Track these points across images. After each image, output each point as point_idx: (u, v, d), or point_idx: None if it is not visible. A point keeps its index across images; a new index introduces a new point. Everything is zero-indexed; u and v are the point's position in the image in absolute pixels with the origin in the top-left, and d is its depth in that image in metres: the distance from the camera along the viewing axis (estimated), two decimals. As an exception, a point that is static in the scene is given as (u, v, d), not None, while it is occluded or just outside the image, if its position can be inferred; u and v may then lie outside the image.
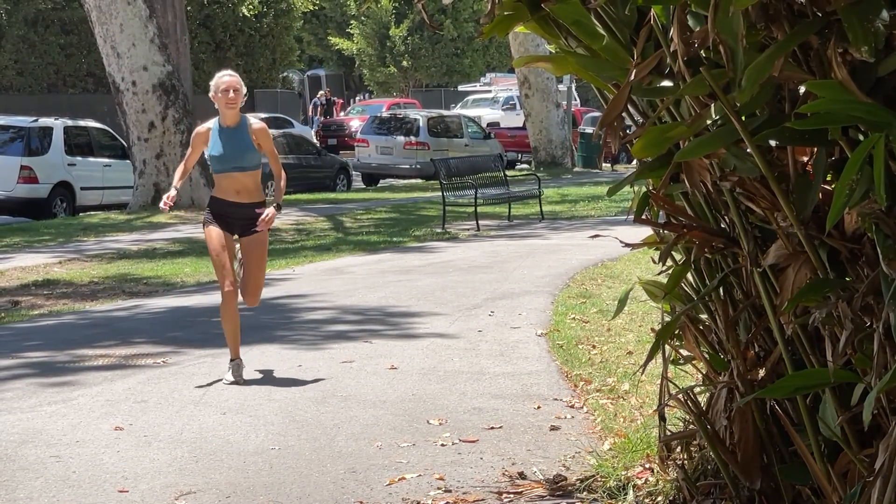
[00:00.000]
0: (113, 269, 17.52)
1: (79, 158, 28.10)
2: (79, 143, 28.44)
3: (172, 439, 7.79)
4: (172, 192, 9.37)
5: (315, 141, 41.22)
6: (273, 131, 35.97)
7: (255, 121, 9.59)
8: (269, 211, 9.37)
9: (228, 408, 8.58)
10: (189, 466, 7.19)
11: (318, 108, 57.39)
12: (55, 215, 27.04)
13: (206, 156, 9.55)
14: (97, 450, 7.56)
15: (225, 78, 9.39)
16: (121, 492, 6.72)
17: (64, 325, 12.48)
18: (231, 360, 9.43)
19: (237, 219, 9.43)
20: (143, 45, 26.24)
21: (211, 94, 9.39)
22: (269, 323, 12.20)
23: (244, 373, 9.41)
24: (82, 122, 29.78)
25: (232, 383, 9.23)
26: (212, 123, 9.50)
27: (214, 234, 9.37)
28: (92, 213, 27.75)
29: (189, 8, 43.55)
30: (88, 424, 8.16)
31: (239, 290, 9.51)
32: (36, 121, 27.89)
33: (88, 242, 21.33)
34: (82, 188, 28.22)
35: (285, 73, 60.27)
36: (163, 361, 10.28)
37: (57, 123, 28.16)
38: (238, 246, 9.57)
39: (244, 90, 9.44)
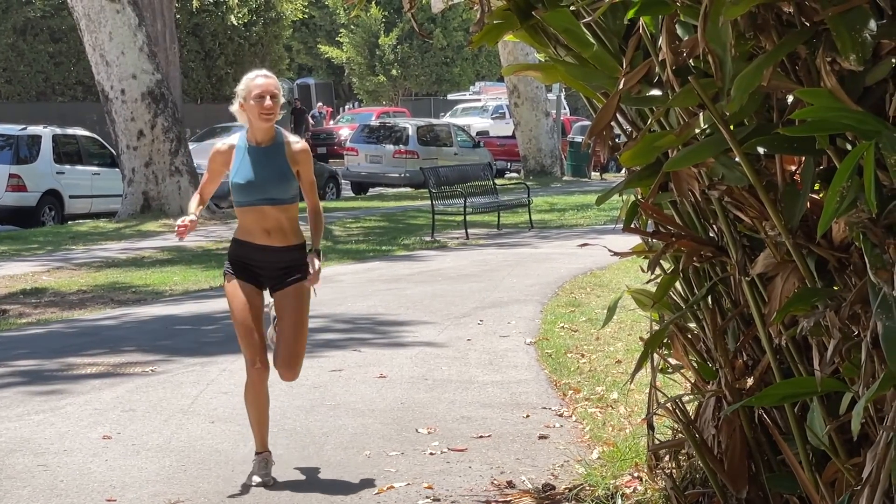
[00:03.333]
0: (101, 277, 17.49)
1: (67, 167, 28.03)
2: (68, 152, 28.38)
3: (161, 448, 7.78)
4: (191, 217, 7.10)
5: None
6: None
7: (294, 139, 7.34)
8: (317, 264, 7.23)
9: (217, 417, 8.57)
10: (177, 475, 7.18)
11: (319, 120, 57.37)
12: (44, 224, 26.99)
13: (229, 182, 7.25)
14: (85, 459, 7.55)
15: (259, 80, 7.04)
16: (109, 501, 6.71)
17: (52, 333, 12.46)
18: (256, 454, 7.22)
19: (268, 268, 7.20)
20: (132, 53, 26.22)
21: (238, 101, 7.13)
22: (257, 331, 12.17)
23: (272, 470, 7.18)
24: (71, 131, 29.75)
25: (259, 485, 6.99)
26: (236, 139, 7.24)
27: (238, 293, 7.20)
28: (81, 221, 27.70)
29: (178, 16, 43.56)
30: (76, 433, 8.15)
31: (271, 362, 7.25)
32: (25, 129, 27.81)
33: (77, 251, 21.28)
34: (71, 196, 28.15)
35: (274, 82, 60.19)
36: (151, 370, 10.27)
37: (46, 132, 28.12)
38: (269, 302, 7.39)
39: (283, 97, 7.20)
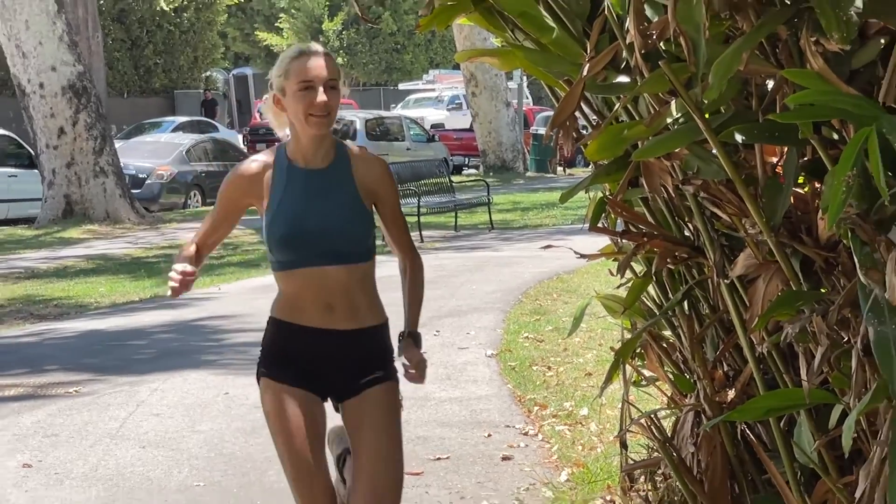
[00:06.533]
0: (20, 289, 17.39)
1: (-19, 168, 27.98)
2: (-19, 152, 28.32)
3: (86, 476, 7.73)
4: (189, 267, 4.80)
5: (242, 146, 41.12)
6: (196, 136, 35.62)
7: (360, 149, 5.13)
8: (417, 355, 5.00)
9: (148, 441, 8.52)
10: (104, 507, 7.14)
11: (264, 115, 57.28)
12: (-44, 231, 26.87)
13: (263, 229, 4.96)
14: (3, 489, 7.50)
15: (304, 59, 4.80)
16: (29, 536, 6.67)
17: (-35, 352, 12.37)
18: None
19: (331, 365, 4.97)
20: (50, 43, 26.09)
21: (271, 93, 4.93)
22: (193, 347, 12.16)
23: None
24: (-15, 129, 29.65)
25: None
26: (269, 156, 5.00)
27: (285, 408, 4.94)
28: (-4, 228, 27.60)
29: (101, 2, 43.40)
30: (-7, 462, 8.10)
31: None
32: (-67, 128, 27.75)
33: (-8, 261, 21.18)
34: (-15, 201, 28.09)
35: (208, 73, 60.05)
36: (75, 391, 10.21)
37: (-43, 130, 28.03)
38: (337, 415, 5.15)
39: (344, 88, 4.95)
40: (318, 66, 4.76)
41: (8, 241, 24.17)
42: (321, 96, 4.72)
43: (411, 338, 5.04)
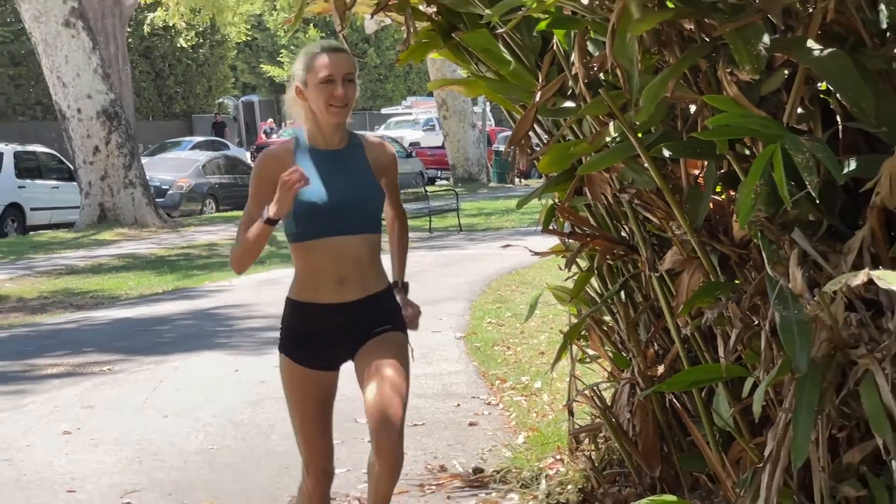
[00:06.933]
0: (61, 283, 17.30)
1: (28, 181, 27.88)
2: (28, 167, 28.21)
3: (117, 441, 7.69)
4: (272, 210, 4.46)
5: (250, 162, 40.98)
6: (210, 153, 35.47)
7: (372, 136, 5.04)
8: (412, 303, 4.93)
9: (170, 411, 8.49)
10: (133, 467, 7.10)
11: (270, 134, 57.10)
12: (6, 234, 26.77)
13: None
14: (47, 453, 7.45)
15: (324, 56, 4.63)
16: (69, 492, 6.62)
17: (15, 337, 12.30)
18: None
19: (343, 336, 4.73)
20: (87, 74, 25.95)
21: (294, 85, 4.72)
22: (208, 331, 12.11)
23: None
24: (31, 148, 29.56)
25: None
26: (288, 144, 4.78)
27: (300, 386, 4.78)
28: (41, 231, 27.41)
29: (130, 40, 43.20)
30: (39, 429, 8.04)
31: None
32: (-13, 147, 27.65)
33: (38, 259, 21.04)
34: (32, 209, 27.98)
35: (221, 100, 59.85)
36: (108, 369, 10.16)
37: (7, 149, 27.96)
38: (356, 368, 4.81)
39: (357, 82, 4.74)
40: (337, 61, 4.61)
41: (51, 243, 24.03)
42: (340, 89, 4.57)
43: (401, 287, 4.91)
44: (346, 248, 4.60)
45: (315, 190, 4.57)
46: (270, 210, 4.45)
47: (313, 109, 4.65)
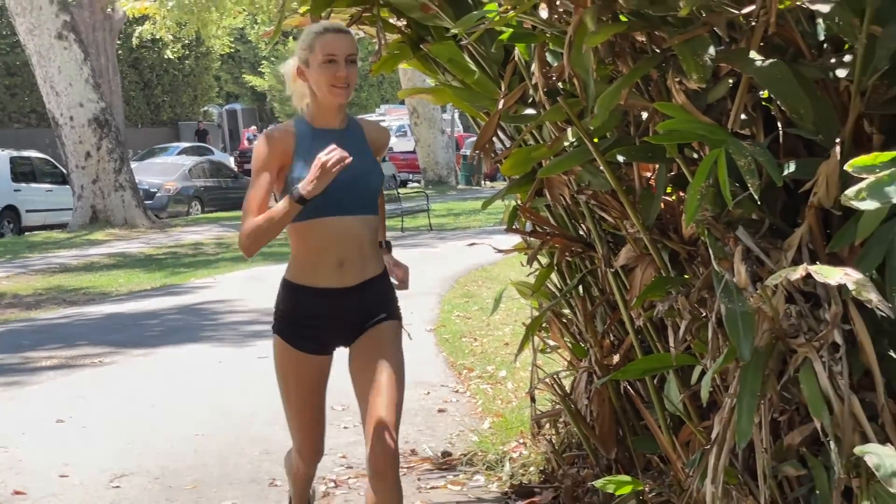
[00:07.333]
0: (55, 281, 17.22)
1: (24, 185, 27.81)
2: (23, 171, 28.12)
3: (108, 429, 7.67)
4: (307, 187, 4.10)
5: (233, 166, 40.85)
6: (196, 158, 35.46)
7: (368, 119, 5.02)
8: (400, 263, 4.79)
9: (157, 401, 8.46)
10: (123, 453, 7.07)
11: (251, 141, 56.88)
12: (3, 235, 26.69)
13: (287, 184, 4.32)
14: (42, 439, 7.42)
15: (328, 36, 4.32)
16: (62, 477, 6.59)
17: (11, 331, 12.23)
18: None
19: (340, 322, 4.48)
20: (78, 84, 25.82)
21: (295, 64, 4.43)
22: (194, 325, 12.08)
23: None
24: (26, 153, 29.45)
25: None
26: (288, 126, 4.45)
27: (295, 372, 4.56)
28: (36, 232, 27.31)
29: (119, 52, 43.01)
30: (34, 418, 8.00)
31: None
32: (-16, 153, 27.52)
33: (33, 258, 20.94)
34: (27, 211, 27.91)
35: (206, 108, 59.66)
36: (100, 361, 10.12)
37: (3, 154, 27.92)
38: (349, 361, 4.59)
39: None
40: (340, 42, 4.28)
41: (46, 243, 23.91)
42: (342, 70, 4.25)
43: (385, 245, 4.71)
44: (348, 229, 4.33)
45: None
46: (304, 189, 4.10)
47: (314, 90, 4.37)
